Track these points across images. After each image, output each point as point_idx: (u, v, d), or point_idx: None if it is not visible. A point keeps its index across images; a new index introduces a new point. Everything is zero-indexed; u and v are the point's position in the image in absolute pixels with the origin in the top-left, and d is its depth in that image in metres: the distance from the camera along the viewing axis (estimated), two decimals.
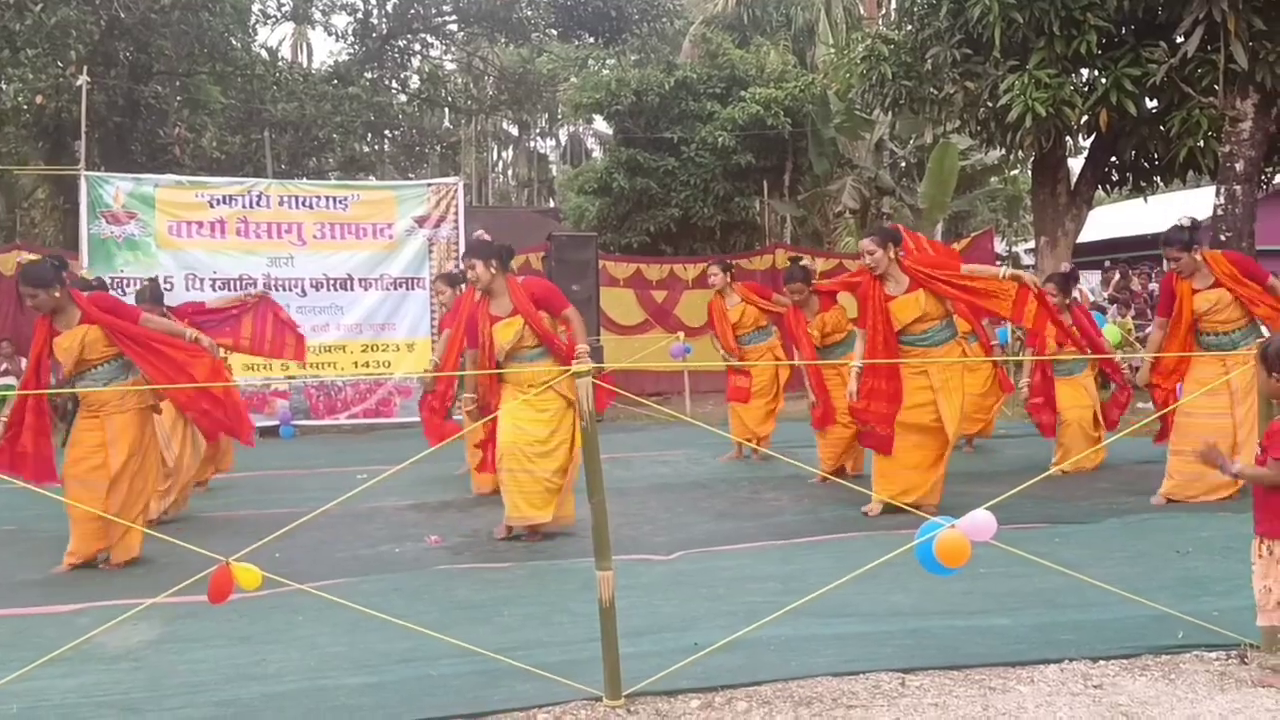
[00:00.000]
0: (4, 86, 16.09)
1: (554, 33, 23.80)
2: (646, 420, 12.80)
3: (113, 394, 6.13)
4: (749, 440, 9.34)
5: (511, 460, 6.35)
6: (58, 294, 6.02)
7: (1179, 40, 10.79)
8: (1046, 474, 5.88)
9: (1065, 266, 9.68)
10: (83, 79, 13.82)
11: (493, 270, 6.43)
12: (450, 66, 26.47)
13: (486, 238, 6.82)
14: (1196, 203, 20.11)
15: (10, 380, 12.81)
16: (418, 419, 9.25)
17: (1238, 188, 10.91)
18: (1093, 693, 3.70)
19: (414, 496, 8.09)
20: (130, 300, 7.73)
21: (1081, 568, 4.67)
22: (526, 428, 6.33)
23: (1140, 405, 11.38)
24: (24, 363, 8.05)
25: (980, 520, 3.37)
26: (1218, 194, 11.07)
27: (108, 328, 6.09)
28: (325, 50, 56.94)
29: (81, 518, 5.98)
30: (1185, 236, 6.78)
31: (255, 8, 22.36)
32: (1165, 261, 7.13)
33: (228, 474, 8.98)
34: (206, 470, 8.57)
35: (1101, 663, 3.96)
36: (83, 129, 14.16)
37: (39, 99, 15.54)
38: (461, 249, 13.27)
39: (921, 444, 6.86)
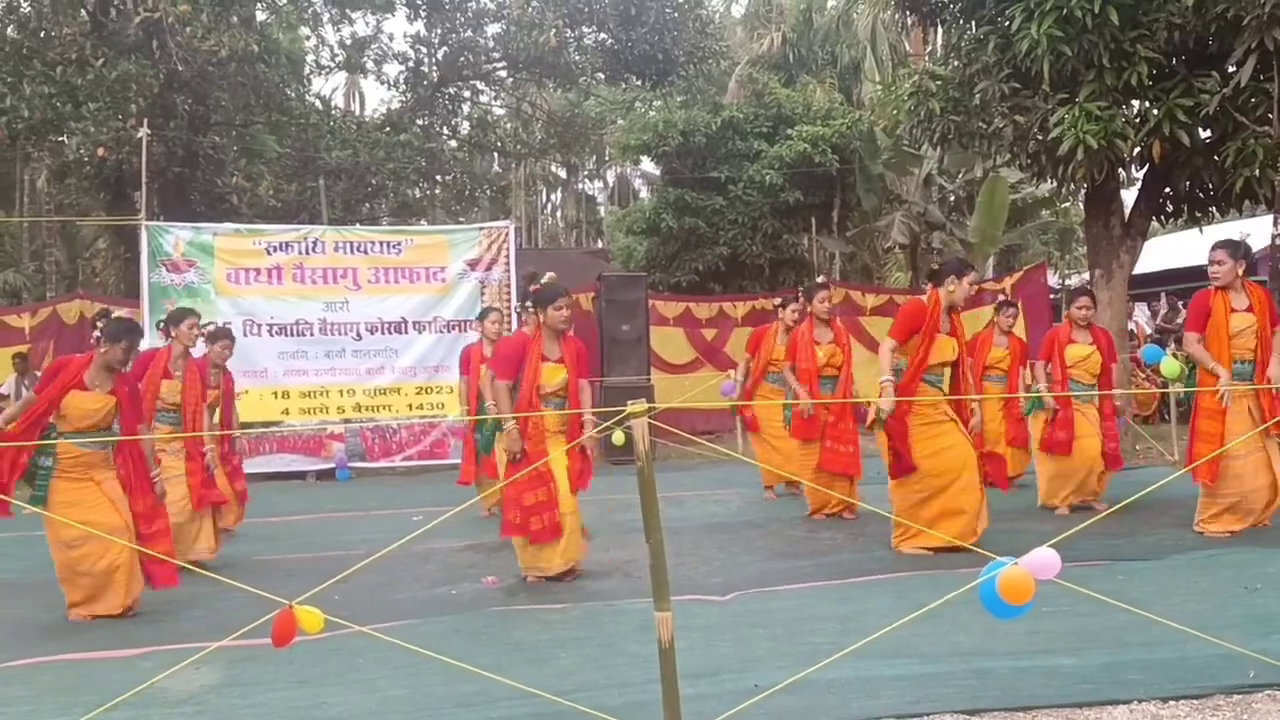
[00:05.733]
0: (67, 140, 16.48)
1: (601, 76, 23.94)
2: (698, 459, 12.74)
3: (102, 455, 6.10)
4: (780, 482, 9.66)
5: (567, 504, 6.47)
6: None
7: (1231, 70, 10.67)
8: (1110, 511, 5.79)
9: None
10: (143, 131, 14.15)
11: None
12: (499, 112, 26.76)
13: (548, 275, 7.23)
14: (1253, 232, 19.80)
15: None
16: None
17: None
18: None
19: (469, 538, 8.12)
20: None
21: (1147, 605, 4.58)
22: (562, 473, 6.51)
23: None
24: None
25: (1044, 558, 3.30)
26: (1275, 223, 10.90)
27: (123, 404, 6.10)
28: (377, 98, 57.92)
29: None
30: None
31: (309, 59, 22.82)
32: None
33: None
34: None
35: (1172, 703, 3.87)
36: (143, 180, 14.51)
37: (100, 151, 15.92)
38: (514, 291, 13.47)
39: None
